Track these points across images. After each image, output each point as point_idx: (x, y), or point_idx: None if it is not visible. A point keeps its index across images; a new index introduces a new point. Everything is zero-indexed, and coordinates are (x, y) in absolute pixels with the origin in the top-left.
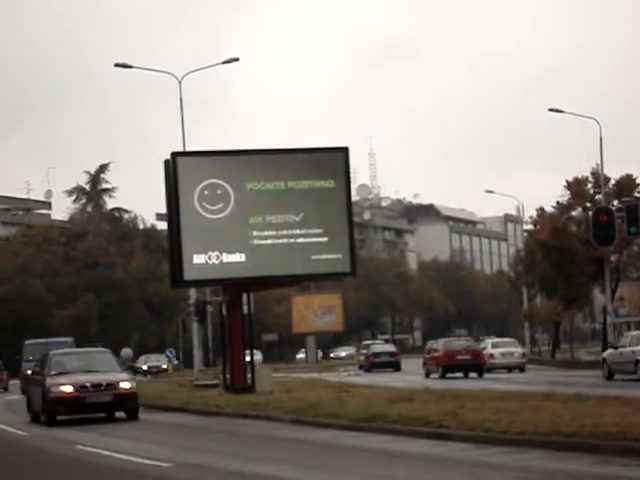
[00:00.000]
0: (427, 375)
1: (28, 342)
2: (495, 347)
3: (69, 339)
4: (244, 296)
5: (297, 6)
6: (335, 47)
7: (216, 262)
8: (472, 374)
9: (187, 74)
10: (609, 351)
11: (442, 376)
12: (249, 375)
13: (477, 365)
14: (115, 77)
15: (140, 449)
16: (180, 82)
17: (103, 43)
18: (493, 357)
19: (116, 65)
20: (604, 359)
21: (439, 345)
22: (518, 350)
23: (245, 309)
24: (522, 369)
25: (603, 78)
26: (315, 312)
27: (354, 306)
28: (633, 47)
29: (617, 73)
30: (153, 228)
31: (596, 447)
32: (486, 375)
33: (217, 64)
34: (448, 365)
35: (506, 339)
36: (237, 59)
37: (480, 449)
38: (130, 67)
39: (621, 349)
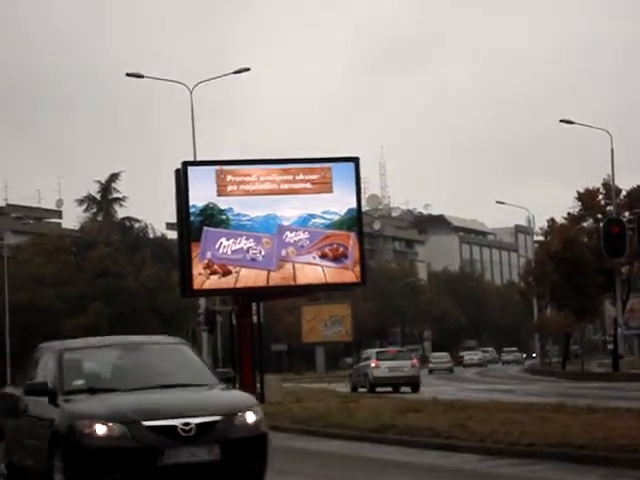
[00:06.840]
0: None
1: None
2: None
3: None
4: (253, 306)
5: (307, 11)
6: (345, 55)
7: None
8: None
9: (198, 84)
10: (355, 366)
11: None
12: (258, 385)
13: None
14: (126, 86)
15: None
16: (191, 92)
17: (114, 51)
18: None
19: (128, 75)
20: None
21: None
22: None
23: (255, 319)
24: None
25: (615, 88)
26: (325, 322)
27: (363, 316)
28: None
29: (629, 83)
30: (163, 237)
31: (607, 459)
32: (495, 386)
33: (228, 74)
34: None
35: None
36: (248, 69)
37: (489, 460)
38: (142, 77)
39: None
